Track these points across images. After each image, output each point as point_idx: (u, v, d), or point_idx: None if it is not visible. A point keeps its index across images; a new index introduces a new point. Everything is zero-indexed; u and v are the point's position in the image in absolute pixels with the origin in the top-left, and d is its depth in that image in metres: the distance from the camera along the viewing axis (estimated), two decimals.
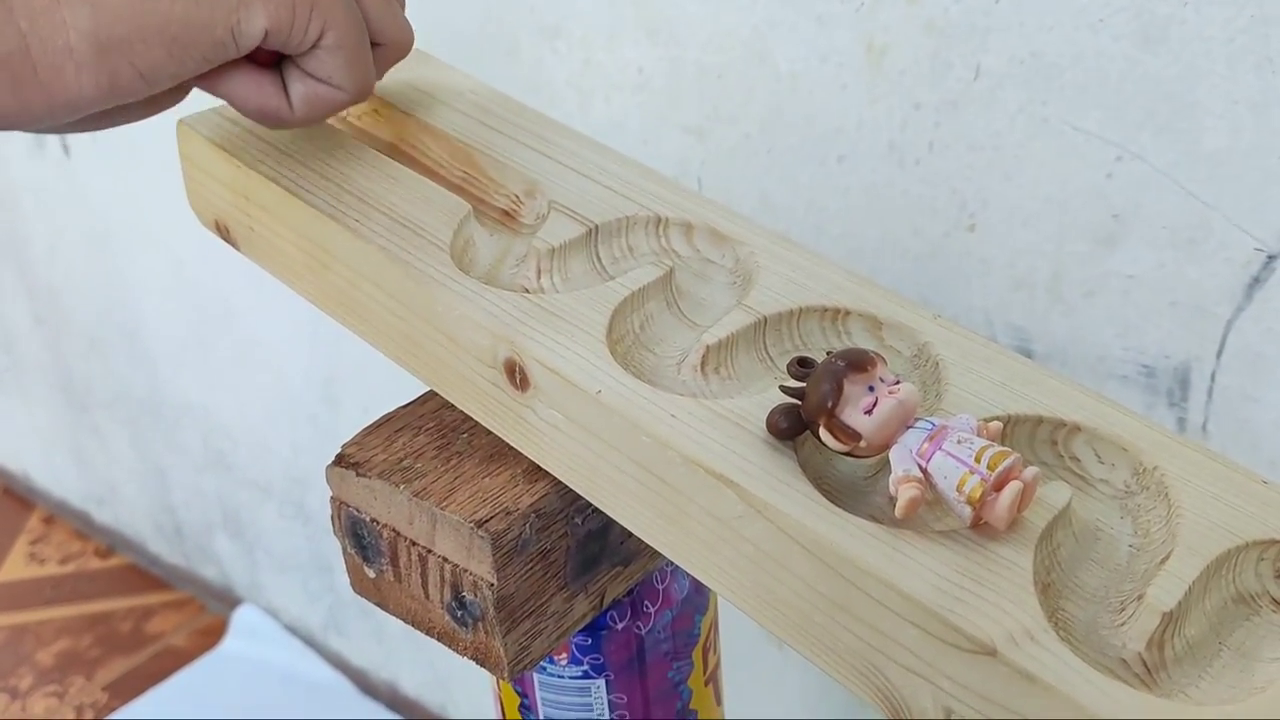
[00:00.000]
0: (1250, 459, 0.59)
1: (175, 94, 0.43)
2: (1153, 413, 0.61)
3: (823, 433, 0.34)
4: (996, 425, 0.35)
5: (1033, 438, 0.38)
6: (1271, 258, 0.55)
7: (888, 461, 0.34)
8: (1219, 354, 0.58)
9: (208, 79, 0.42)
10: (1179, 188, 0.56)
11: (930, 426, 0.34)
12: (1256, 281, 0.55)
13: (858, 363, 0.34)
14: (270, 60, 0.43)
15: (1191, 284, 0.57)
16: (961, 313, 0.65)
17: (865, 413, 0.34)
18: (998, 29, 0.58)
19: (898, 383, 0.34)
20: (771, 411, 0.36)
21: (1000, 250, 0.62)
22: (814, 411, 0.34)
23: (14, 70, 0.36)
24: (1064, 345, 0.62)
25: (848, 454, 0.34)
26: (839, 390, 0.34)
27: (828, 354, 0.35)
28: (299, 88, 0.43)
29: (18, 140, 1.26)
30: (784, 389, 0.36)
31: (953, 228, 0.63)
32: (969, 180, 0.62)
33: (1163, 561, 0.34)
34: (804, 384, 0.35)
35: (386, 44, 0.45)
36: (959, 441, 0.33)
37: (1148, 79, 0.55)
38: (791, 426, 0.35)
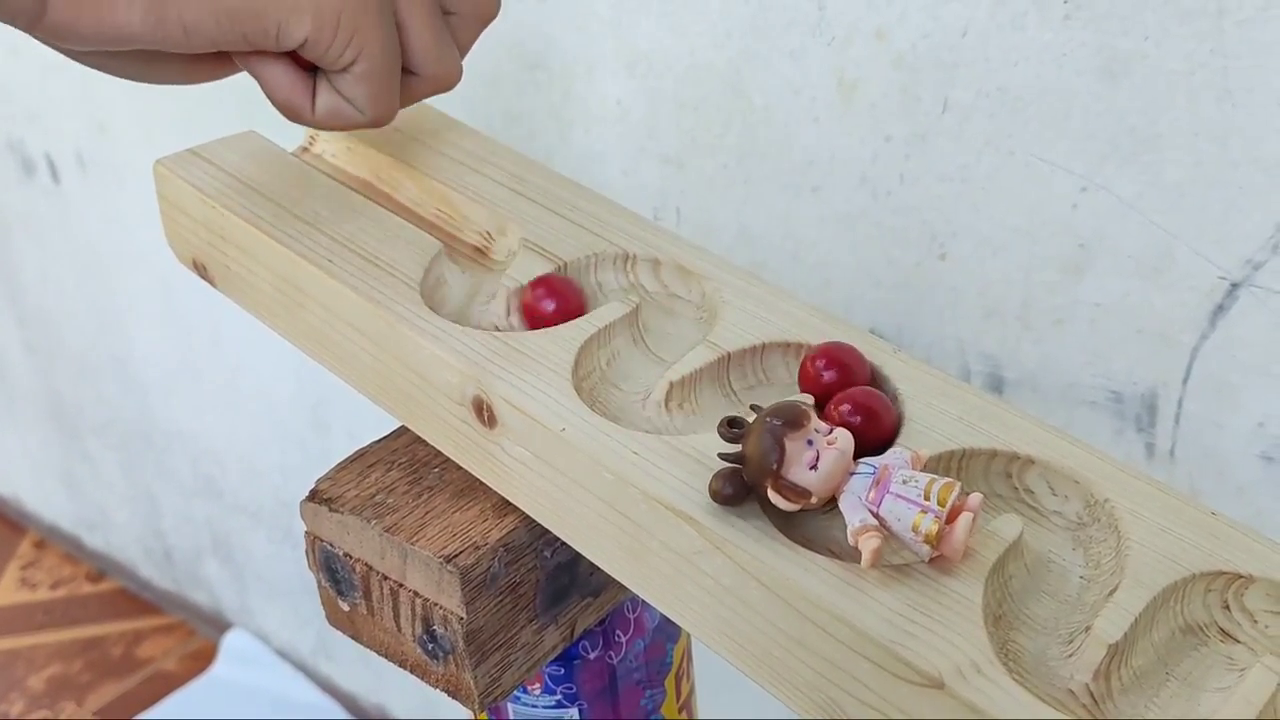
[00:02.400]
0: (1216, 485, 0.60)
1: (219, 67, 0.46)
2: (1121, 438, 0.62)
3: (771, 494, 0.34)
4: (925, 452, 0.36)
5: (988, 471, 0.39)
6: (1235, 286, 0.55)
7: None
8: (1185, 381, 0.59)
9: (248, 59, 0.45)
10: (1143, 218, 0.57)
11: (872, 470, 0.34)
12: (1220, 309, 0.56)
13: (793, 419, 0.34)
14: (310, 64, 0.45)
15: (1157, 312, 0.58)
16: (934, 341, 0.66)
17: (810, 468, 0.34)
18: (964, 64, 0.59)
19: (832, 431, 0.35)
20: (713, 479, 0.35)
21: (971, 279, 0.63)
22: (759, 475, 0.34)
23: None
24: (1034, 373, 0.63)
25: (798, 510, 0.35)
26: (781, 450, 0.34)
27: (753, 409, 0.35)
28: (325, 98, 0.45)
29: (8, 168, 1.27)
30: (722, 455, 0.35)
31: (924, 257, 0.64)
32: (939, 211, 0.63)
33: (1110, 593, 0.35)
34: (740, 447, 0.35)
35: (424, 77, 0.46)
36: (904, 481, 0.34)
37: (1111, 112, 0.56)
38: (736, 492, 0.35)
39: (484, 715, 0.51)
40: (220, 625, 1.45)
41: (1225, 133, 0.53)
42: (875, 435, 0.39)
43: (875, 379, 0.41)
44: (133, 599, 1.55)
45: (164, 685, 1.41)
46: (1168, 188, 0.56)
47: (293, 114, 0.46)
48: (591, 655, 0.48)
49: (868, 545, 0.33)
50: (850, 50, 0.63)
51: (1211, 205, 0.55)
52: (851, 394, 0.40)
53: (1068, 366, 0.62)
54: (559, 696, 0.49)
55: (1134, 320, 0.59)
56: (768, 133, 0.68)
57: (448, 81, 0.47)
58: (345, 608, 0.45)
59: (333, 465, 0.46)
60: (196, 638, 1.48)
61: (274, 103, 0.46)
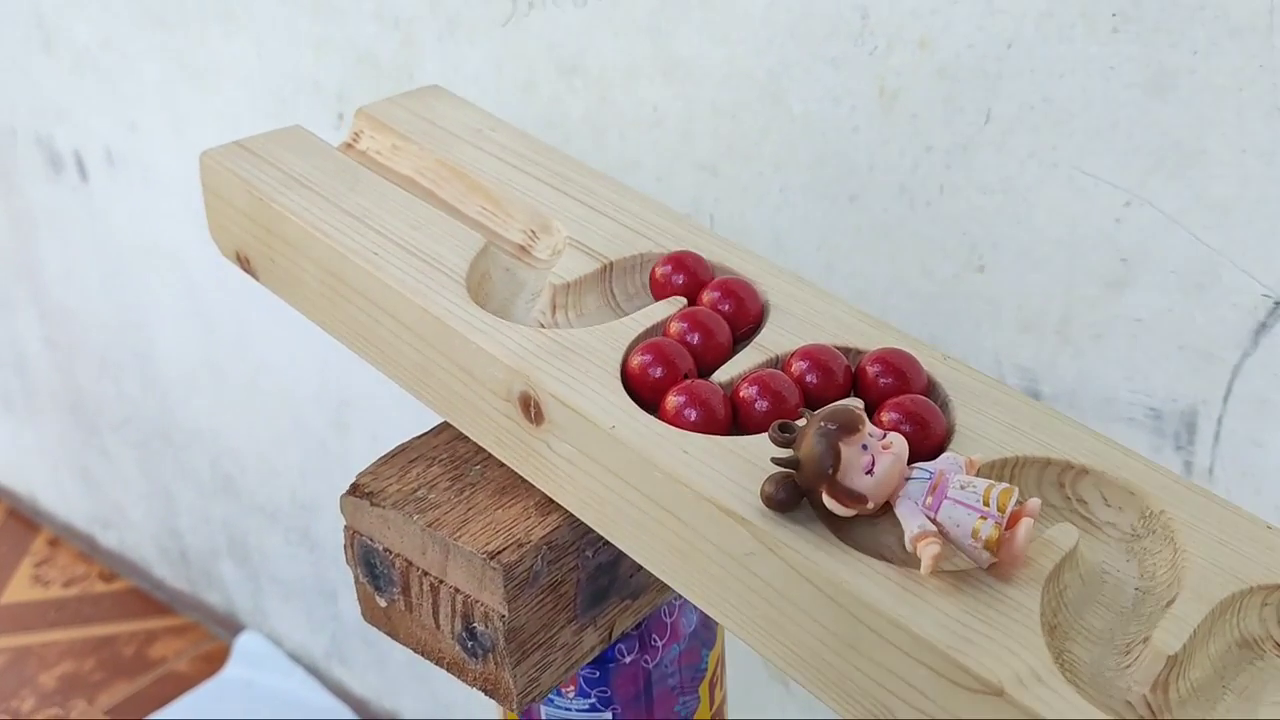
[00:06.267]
0: (1255, 504, 0.59)
1: None
2: (1159, 456, 0.61)
3: (826, 499, 0.34)
4: (979, 458, 0.35)
5: (1040, 480, 0.39)
6: (1278, 304, 0.55)
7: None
8: (1226, 398, 0.58)
9: None
10: (1187, 233, 0.56)
11: (928, 475, 0.34)
12: (1263, 327, 0.56)
13: (848, 424, 0.34)
14: None
15: (1199, 328, 0.58)
16: (970, 354, 0.66)
17: (866, 473, 0.33)
18: (1009, 75, 0.59)
19: (885, 435, 0.34)
20: (765, 483, 0.35)
21: (1009, 292, 0.63)
22: (814, 480, 0.34)
23: None
24: (1072, 387, 0.63)
25: (852, 515, 0.34)
26: (837, 455, 0.33)
27: (805, 413, 0.35)
28: None
29: (35, 164, 1.28)
30: (775, 460, 0.35)
31: (962, 269, 0.64)
32: (979, 222, 0.62)
33: (1168, 605, 0.34)
34: (792, 452, 0.35)
35: None
36: (962, 487, 0.33)
37: (1157, 126, 0.56)
38: (790, 497, 0.35)
39: (514, 717, 0.51)
40: (233, 626, 1.45)
41: (1273, 149, 0.53)
42: (925, 443, 0.38)
43: (929, 386, 0.41)
44: (146, 599, 1.55)
45: (175, 686, 1.40)
46: (1213, 203, 0.55)
47: None
48: (627, 659, 0.48)
49: (927, 551, 0.33)
50: (892, 59, 0.62)
51: (1257, 222, 0.55)
52: (901, 401, 0.39)
53: (1106, 382, 0.61)
54: (593, 700, 0.48)
55: (1175, 336, 0.58)
56: (806, 141, 0.68)
57: None
58: (383, 604, 0.45)
59: (353, 467, 0.46)
60: (209, 639, 1.48)
61: None
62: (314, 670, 1.37)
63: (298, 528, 1.27)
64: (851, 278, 0.69)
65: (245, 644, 1.41)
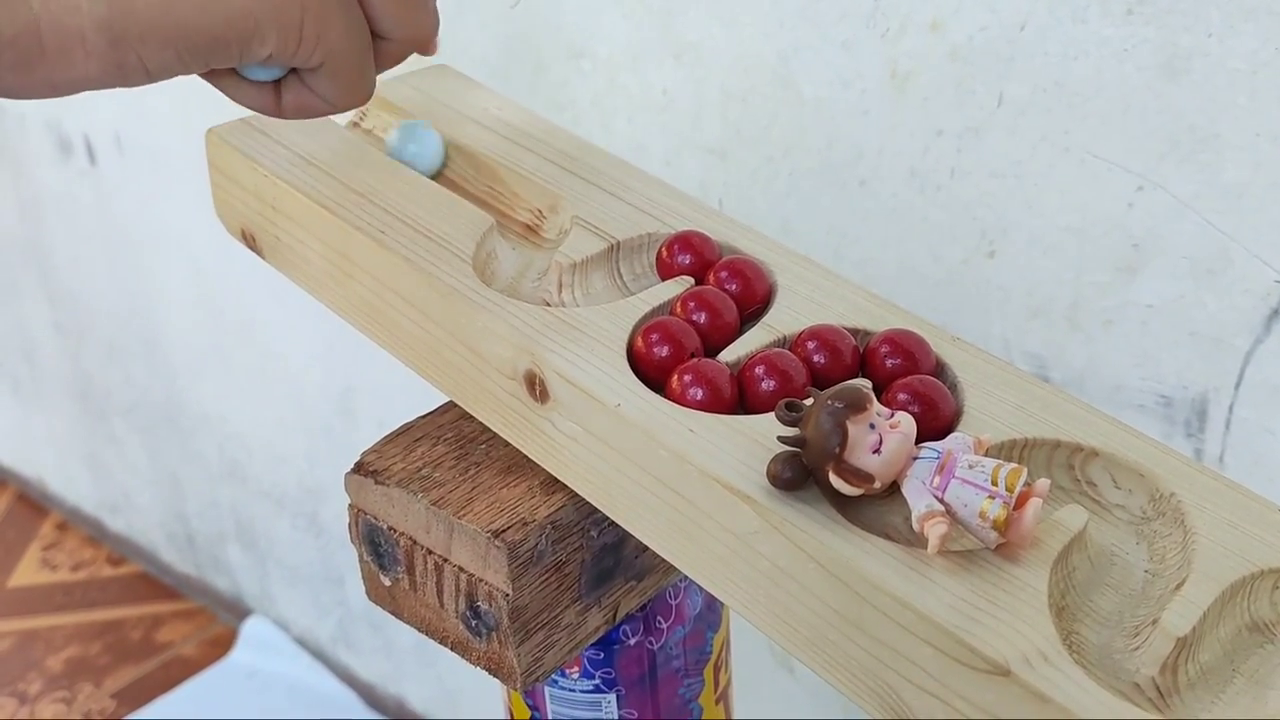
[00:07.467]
0: (1267, 492, 0.58)
1: None
2: (1170, 443, 0.60)
3: (833, 479, 0.34)
4: (987, 438, 0.35)
5: (1049, 462, 0.38)
6: None
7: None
8: (1237, 386, 0.58)
9: (208, 74, 0.43)
10: (1200, 218, 0.56)
11: (936, 454, 0.34)
12: (1276, 314, 0.55)
13: (856, 403, 0.33)
14: None
15: (1210, 315, 0.57)
16: (979, 339, 0.65)
17: (873, 452, 0.33)
18: (1021, 57, 0.58)
19: (893, 415, 0.34)
20: (772, 462, 0.35)
21: (1019, 278, 0.62)
22: (820, 459, 0.34)
23: (21, 50, 0.35)
24: (1082, 374, 0.62)
25: (859, 495, 0.34)
26: (844, 434, 0.33)
27: (812, 391, 0.35)
28: (292, 95, 0.43)
29: (44, 148, 1.28)
30: (782, 439, 0.35)
31: (972, 254, 0.64)
32: (989, 207, 0.62)
33: (1178, 587, 0.34)
34: (799, 430, 0.34)
35: (397, 41, 0.43)
36: (970, 466, 0.33)
37: (1170, 109, 0.55)
38: (795, 476, 0.34)
39: (519, 698, 0.51)
40: (240, 611, 1.45)
41: None
42: (934, 424, 0.38)
43: (938, 368, 0.41)
44: (153, 583, 1.55)
45: (182, 670, 1.40)
46: (1226, 188, 0.55)
47: (260, 113, 0.44)
48: (632, 641, 0.48)
49: (934, 531, 0.32)
50: (904, 42, 0.62)
51: (1270, 207, 0.54)
52: (909, 382, 0.39)
53: (1116, 369, 0.61)
54: (597, 681, 0.48)
55: (1187, 323, 0.58)
56: (816, 125, 0.67)
57: (423, 42, 0.44)
58: (387, 582, 0.45)
59: (360, 453, 0.45)
60: (216, 623, 1.48)
61: (238, 102, 0.44)
62: (320, 655, 1.37)
63: (305, 513, 1.27)
64: (861, 263, 0.69)
65: (252, 629, 1.41)
